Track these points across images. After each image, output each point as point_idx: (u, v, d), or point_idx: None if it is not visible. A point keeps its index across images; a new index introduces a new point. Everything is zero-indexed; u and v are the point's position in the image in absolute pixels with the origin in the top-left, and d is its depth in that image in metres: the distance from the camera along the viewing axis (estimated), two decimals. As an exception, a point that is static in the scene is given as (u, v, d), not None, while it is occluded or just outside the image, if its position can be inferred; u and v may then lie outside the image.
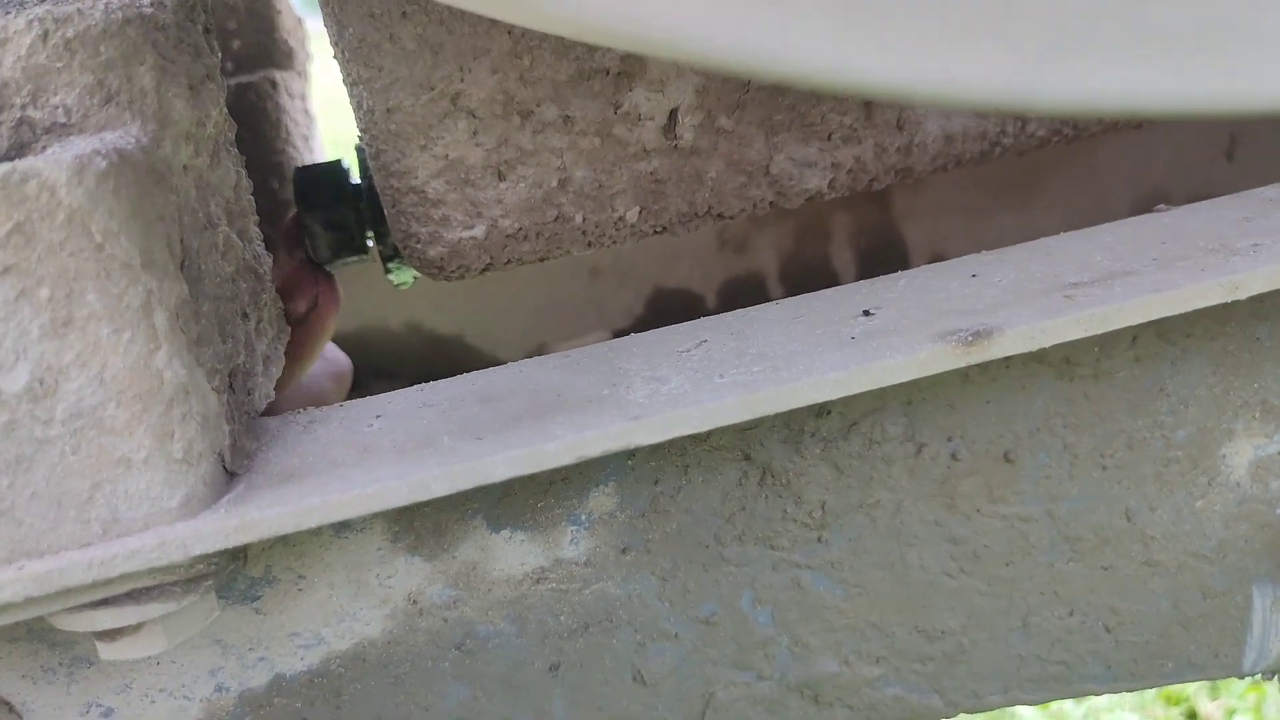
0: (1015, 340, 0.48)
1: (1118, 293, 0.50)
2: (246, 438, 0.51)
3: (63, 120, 0.45)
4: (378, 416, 0.53)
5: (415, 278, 0.82)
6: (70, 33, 0.45)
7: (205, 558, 0.46)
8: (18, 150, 0.45)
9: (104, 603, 0.47)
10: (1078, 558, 0.66)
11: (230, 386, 0.51)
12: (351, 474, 0.47)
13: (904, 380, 0.48)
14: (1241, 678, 0.73)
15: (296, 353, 0.71)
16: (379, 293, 1.11)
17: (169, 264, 0.45)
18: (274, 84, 0.94)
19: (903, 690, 0.67)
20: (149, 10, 0.48)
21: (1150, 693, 1.85)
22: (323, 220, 0.76)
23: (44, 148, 0.45)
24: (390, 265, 0.79)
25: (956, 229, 1.13)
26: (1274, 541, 0.69)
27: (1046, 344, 0.49)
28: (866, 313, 0.54)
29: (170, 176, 0.48)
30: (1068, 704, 1.84)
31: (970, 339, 0.48)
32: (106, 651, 0.49)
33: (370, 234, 0.78)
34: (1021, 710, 1.81)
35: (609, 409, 0.48)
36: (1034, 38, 0.40)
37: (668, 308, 1.13)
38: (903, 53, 0.38)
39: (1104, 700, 1.84)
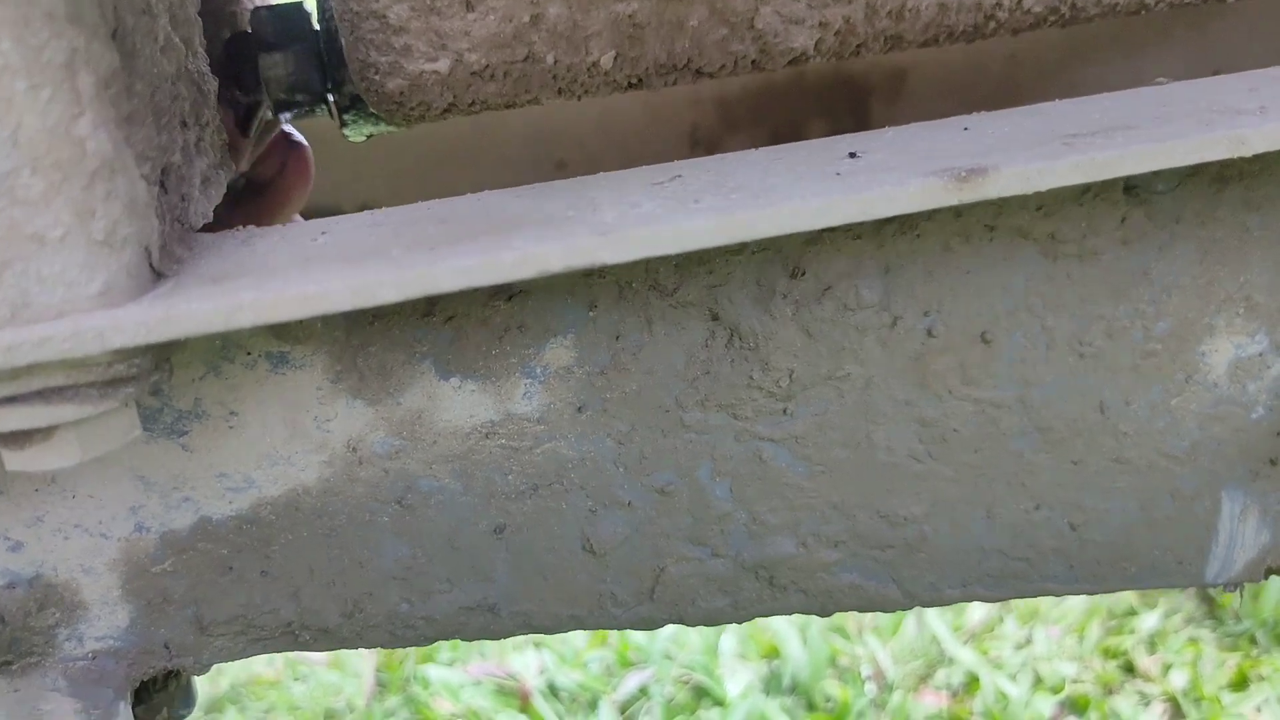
0: (1010, 179, 0.45)
1: (1119, 140, 0.47)
2: (178, 244, 0.47)
3: None
4: (323, 233, 0.49)
5: (370, 135, 0.78)
6: None
7: (125, 355, 0.42)
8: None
9: (10, 401, 0.42)
10: (1048, 449, 0.64)
11: (163, 184, 0.46)
12: (291, 276, 0.43)
13: (892, 213, 0.44)
14: (1203, 587, 0.72)
15: (262, 218, 0.68)
16: (334, 174, 1.06)
17: (99, 27, 0.41)
18: (230, -71, 0.88)
19: (860, 577, 0.65)
20: None
21: (1089, 643, 1.87)
22: (279, 61, 0.71)
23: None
24: (346, 117, 0.74)
25: (934, 146, 1.10)
26: (1247, 447, 0.67)
27: (1044, 186, 0.46)
28: (853, 155, 0.51)
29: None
30: (1006, 650, 1.85)
31: (964, 174, 0.45)
32: (14, 461, 0.45)
33: (328, 84, 0.73)
34: (961, 654, 1.82)
35: (575, 226, 0.45)
36: None
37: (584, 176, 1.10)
38: None
39: (1041, 648, 1.86)
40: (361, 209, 1.09)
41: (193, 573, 0.57)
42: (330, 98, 0.73)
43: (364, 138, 0.76)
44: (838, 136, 0.55)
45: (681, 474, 0.61)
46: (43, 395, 0.43)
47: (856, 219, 0.44)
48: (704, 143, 1.07)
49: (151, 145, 0.44)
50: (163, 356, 0.45)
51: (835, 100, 1.07)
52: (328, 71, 0.72)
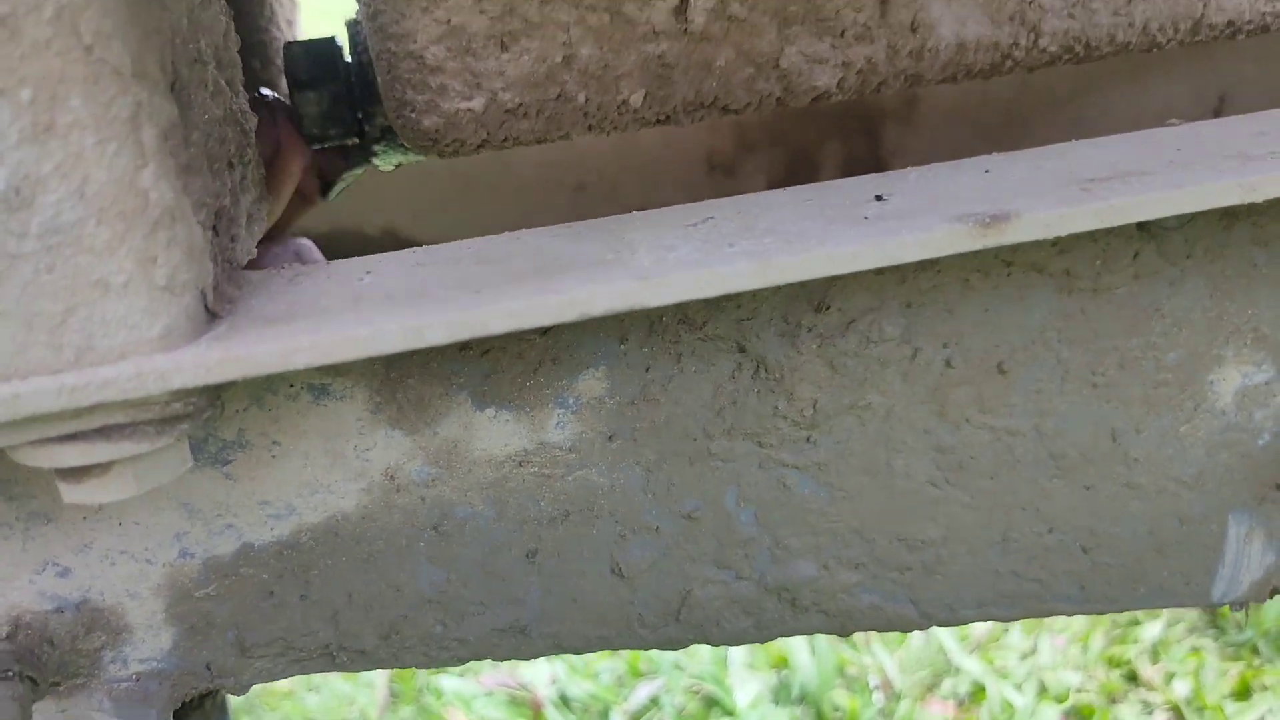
0: (1033, 226, 0.47)
1: (1136, 187, 0.49)
2: (229, 284, 0.49)
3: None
4: (368, 272, 0.51)
5: (399, 164, 0.80)
6: None
7: (183, 394, 0.44)
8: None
9: (72, 437, 0.44)
10: (1061, 475, 0.66)
11: (215, 228, 0.48)
12: (343, 319, 0.45)
13: (919, 259, 0.46)
14: (1210, 607, 0.74)
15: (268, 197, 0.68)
16: (357, 198, 1.08)
17: (160, 81, 0.43)
18: (259, -41, 0.90)
19: (879, 599, 0.67)
20: None
21: (1093, 653, 1.89)
22: (313, 100, 0.73)
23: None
24: (377, 148, 0.76)
25: (944, 168, 1.12)
26: (1253, 472, 0.69)
27: (1064, 232, 0.47)
28: (879, 198, 0.52)
29: (162, -9, 0.45)
30: (1011, 660, 1.87)
31: (988, 220, 0.47)
32: (71, 494, 0.46)
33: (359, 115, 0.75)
34: (967, 664, 1.84)
35: (615, 270, 0.47)
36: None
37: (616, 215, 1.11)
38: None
39: (1046, 658, 1.87)
40: (383, 232, 1.11)
41: (235, 597, 0.58)
42: (363, 130, 0.75)
43: (393, 166, 0.78)
44: (863, 177, 0.57)
45: (708, 500, 0.62)
46: (103, 432, 0.44)
47: (886, 264, 0.46)
48: (720, 167, 1.09)
49: (207, 192, 0.46)
50: (216, 394, 0.47)
51: (849, 124, 1.09)
52: (359, 104, 0.74)
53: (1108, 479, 0.67)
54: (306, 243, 0.89)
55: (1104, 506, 0.67)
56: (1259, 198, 0.49)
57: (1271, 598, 0.73)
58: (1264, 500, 0.70)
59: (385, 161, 0.78)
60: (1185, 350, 0.65)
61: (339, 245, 1.09)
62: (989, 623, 1.93)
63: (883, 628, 0.68)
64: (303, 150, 0.67)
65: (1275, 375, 0.66)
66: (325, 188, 0.78)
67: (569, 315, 0.44)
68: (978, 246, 0.47)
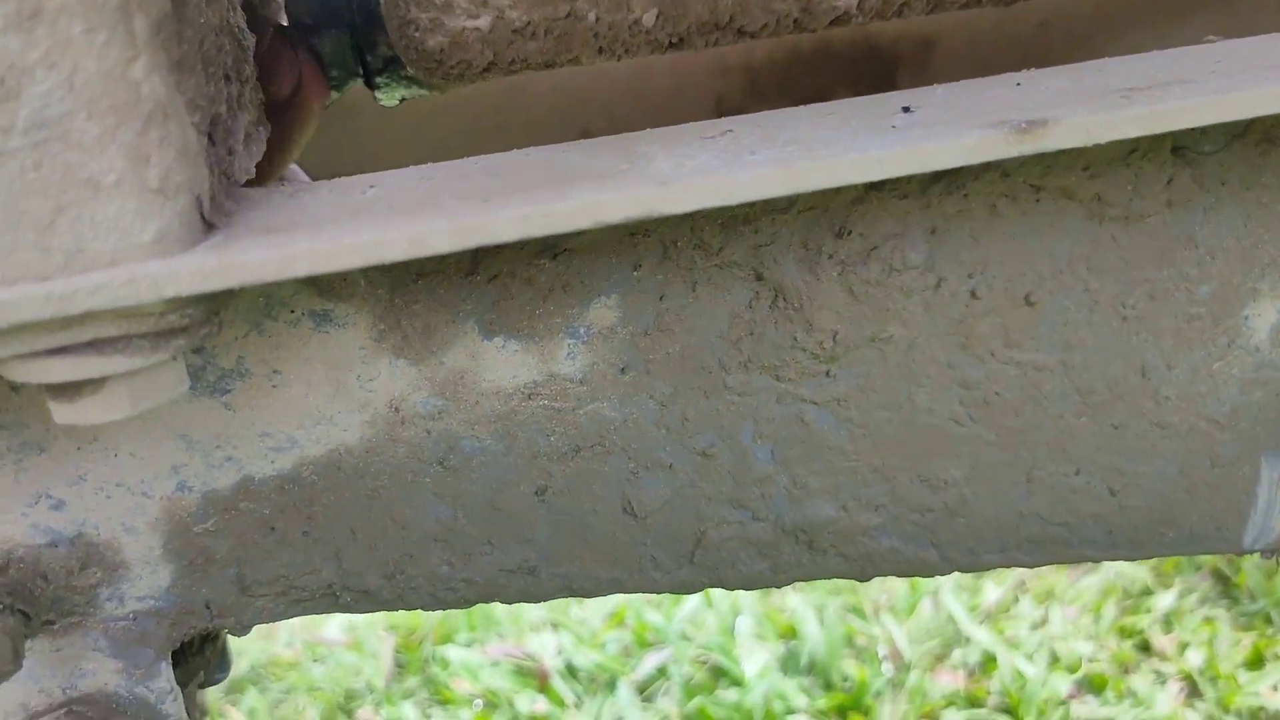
0: (1071, 131, 0.45)
1: (1178, 93, 0.47)
2: (226, 197, 0.47)
3: None
4: (371, 186, 0.49)
5: (403, 98, 0.77)
6: None
7: (179, 304, 0.42)
8: None
9: (61, 351, 0.42)
10: (1089, 413, 0.64)
11: (211, 135, 0.46)
12: (344, 228, 0.43)
13: (952, 164, 0.44)
14: (1240, 554, 0.72)
15: (281, 141, 0.66)
16: (355, 141, 1.06)
17: (154, -33, 0.40)
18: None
19: (899, 542, 0.65)
20: None
21: (1105, 622, 1.87)
22: (318, 42, 0.70)
23: None
24: (379, 80, 0.74)
25: (960, 118, 1.09)
26: (1287, 412, 0.67)
27: (1104, 139, 0.45)
28: (906, 109, 0.50)
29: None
30: (1022, 630, 1.85)
31: (1024, 126, 0.44)
32: (62, 413, 0.44)
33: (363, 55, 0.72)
34: (977, 633, 1.82)
35: (631, 178, 0.44)
36: None
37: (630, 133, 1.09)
38: None
39: (1058, 627, 1.85)
40: (385, 180, 1.09)
41: (235, 532, 0.57)
42: (365, 64, 0.73)
43: (396, 101, 0.75)
44: (888, 94, 0.55)
45: (724, 436, 0.60)
46: (94, 345, 0.42)
47: (917, 170, 0.44)
48: (730, 112, 1.06)
49: (201, 94, 0.44)
50: (213, 309, 0.45)
51: (862, 70, 1.06)
52: (361, 35, 0.71)
53: (1137, 417, 0.64)
54: (300, 172, 0.86)
55: (1132, 446, 0.65)
56: (1308, 105, 0.47)
57: (1303, 544, 0.71)
58: (1298, 441, 0.67)
59: (389, 96, 0.75)
60: (1219, 282, 0.62)
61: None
62: (998, 591, 1.92)
63: (903, 572, 0.66)
64: (325, 91, 0.65)
65: (1311, 310, 0.64)
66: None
67: (582, 222, 0.42)
68: (1014, 153, 0.44)
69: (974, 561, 0.67)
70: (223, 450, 0.55)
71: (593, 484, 0.60)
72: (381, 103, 0.75)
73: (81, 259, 0.40)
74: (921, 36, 1.07)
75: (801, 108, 0.54)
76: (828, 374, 0.60)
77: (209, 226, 0.44)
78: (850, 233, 0.57)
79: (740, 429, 0.60)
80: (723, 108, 1.06)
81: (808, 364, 0.59)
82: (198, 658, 0.65)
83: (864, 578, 0.66)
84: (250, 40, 0.57)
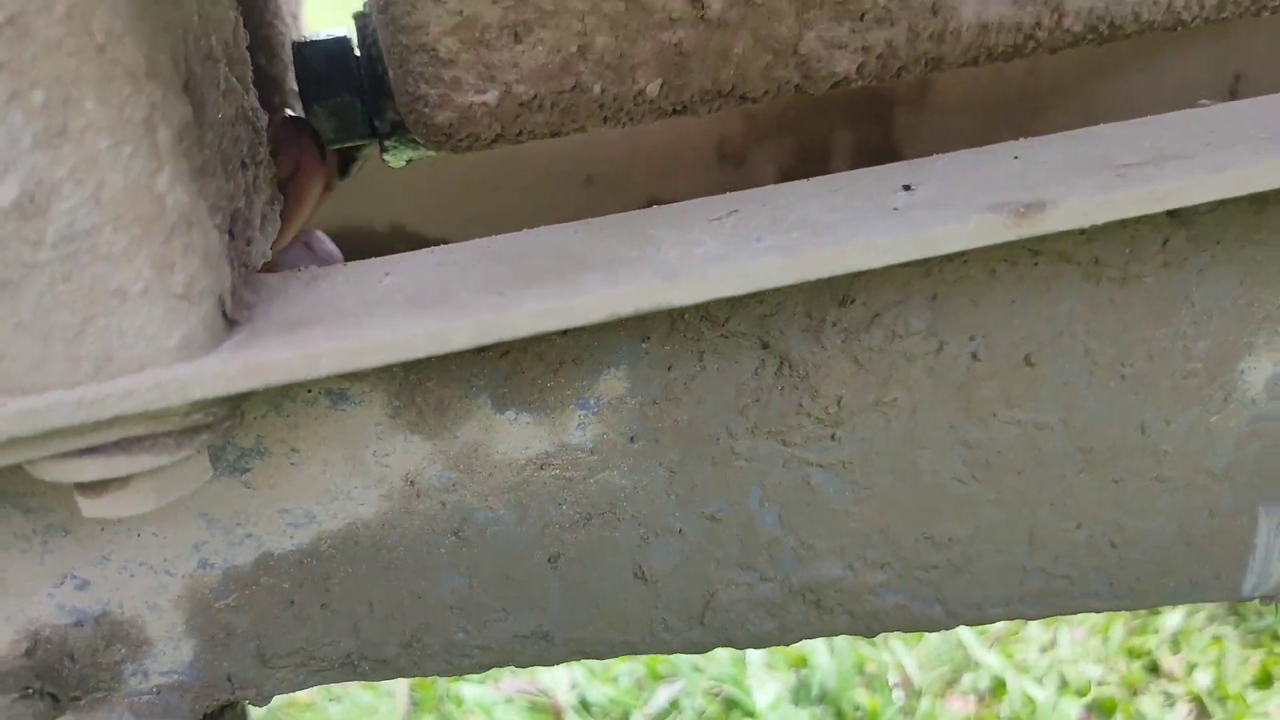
0: (1070, 214, 0.46)
1: (1173, 172, 0.48)
2: (246, 289, 0.48)
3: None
4: (387, 274, 0.50)
5: (410, 160, 0.78)
6: None
7: (203, 405, 0.43)
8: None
9: (91, 451, 0.43)
10: (1089, 470, 0.65)
11: (231, 231, 0.47)
12: (364, 323, 0.44)
13: (954, 250, 0.45)
14: (1240, 601, 0.73)
15: (284, 219, 0.67)
16: (365, 194, 1.07)
17: (174, 80, 0.42)
18: (263, -43, 0.89)
19: (905, 598, 0.66)
20: None
21: (1114, 644, 1.88)
22: (327, 109, 0.72)
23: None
24: (388, 144, 0.75)
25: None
26: (1285, 462, 0.68)
27: (1102, 220, 0.46)
28: (907, 187, 0.51)
29: (174, -9, 0.44)
30: (1031, 653, 1.86)
31: (1023, 210, 0.45)
32: (90, 508, 0.46)
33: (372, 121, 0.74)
34: (987, 658, 1.82)
35: (641, 268, 0.46)
36: None
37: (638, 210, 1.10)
38: None
39: (1066, 651, 1.86)
40: (392, 228, 1.10)
41: (255, 607, 0.58)
42: (374, 128, 0.74)
43: (404, 163, 0.77)
44: (890, 166, 0.56)
45: (731, 501, 0.61)
46: (122, 445, 0.44)
47: (921, 256, 0.45)
48: (731, 156, 1.08)
49: (222, 195, 0.45)
50: (236, 404, 0.46)
51: (861, 111, 1.08)
52: (369, 101, 0.73)
53: (1136, 472, 0.65)
54: (318, 234, 0.88)
55: (1132, 500, 0.66)
56: (1299, 180, 0.48)
57: (1303, 589, 0.72)
58: (1296, 491, 0.68)
59: (396, 158, 0.77)
60: (1215, 339, 0.63)
61: (348, 242, 1.08)
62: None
63: (909, 628, 0.67)
64: (324, 171, 0.67)
65: (1306, 363, 0.65)
66: (344, 167, 0.77)
67: (596, 316, 0.43)
68: (1013, 237, 0.46)
69: (979, 615, 0.68)
70: (243, 527, 0.56)
71: (604, 551, 0.61)
72: (389, 164, 0.77)
73: (110, 366, 0.41)
74: (921, 80, 1.08)
75: (806, 183, 0.55)
76: (833, 438, 0.61)
77: (231, 323, 0.45)
78: (853, 301, 0.58)
79: (748, 494, 0.61)
80: (724, 151, 1.08)
81: (813, 429, 0.61)
82: (217, 723, 0.66)
83: (870, 634, 0.67)
84: (264, 120, 0.58)
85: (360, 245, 1.07)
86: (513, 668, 0.63)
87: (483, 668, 0.62)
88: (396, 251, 1.08)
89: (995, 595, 0.67)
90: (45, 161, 0.39)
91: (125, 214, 0.40)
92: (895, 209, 0.48)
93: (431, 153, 0.75)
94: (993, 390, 0.62)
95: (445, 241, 1.10)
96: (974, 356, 0.61)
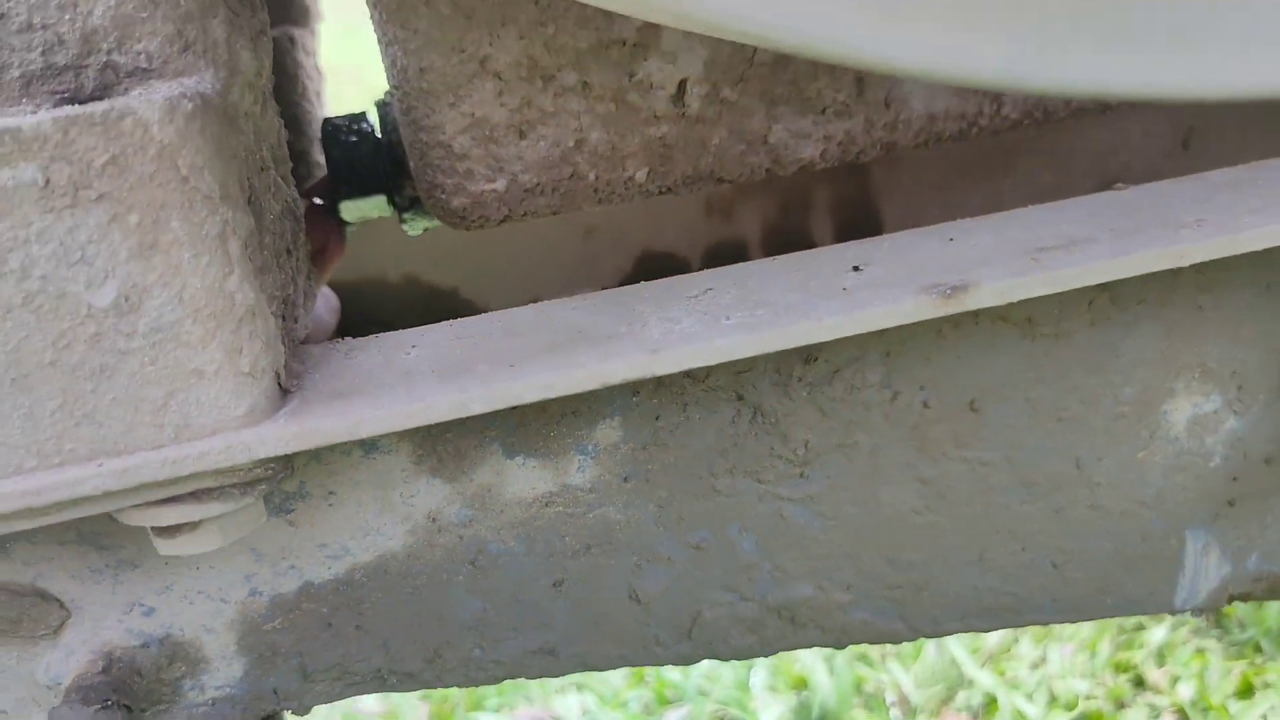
0: (988, 294, 0.55)
1: (1079, 257, 0.57)
2: (295, 360, 0.57)
3: (144, 65, 0.50)
4: (413, 346, 0.59)
5: (425, 229, 0.88)
6: (154, -15, 0.50)
7: (265, 462, 0.52)
8: (102, 91, 0.50)
9: (169, 501, 0.52)
10: (1032, 500, 0.73)
11: (283, 315, 0.56)
12: (397, 393, 0.53)
13: (890, 325, 0.54)
14: (1173, 614, 0.81)
15: None
16: (378, 246, 1.16)
17: (240, 198, 0.51)
18: (292, 40, 0.98)
19: (870, 615, 0.74)
20: (218, -33, 0.53)
21: (1101, 659, 1.95)
22: (356, 203, 0.81)
23: (126, 90, 0.50)
24: (405, 215, 0.84)
25: (930, 205, 1.19)
26: (1207, 492, 0.76)
27: (1015, 299, 0.55)
28: (856, 268, 0.60)
29: (238, 120, 0.53)
30: (1022, 670, 1.93)
31: (949, 292, 0.54)
32: (165, 547, 0.54)
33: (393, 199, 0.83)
34: (980, 676, 1.90)
35: (629, 343, 0.54)
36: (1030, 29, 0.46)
37: (654, 269, 1.19)
38: (924, 38, 0.45)
39: (1055, 666, 1.93)
40: (404, 279, 1.19)
41: (298, 629, 0.66)
42: (394, 203, 0.83)
43: (420, 231, 0.86)
44: (844, 246, 0.65)
45: (714, 531, 0.70)
46: (195, 495, 0.52)
47: (862, 330, 0.54)
48: (719, 210, 1.16)
49: (277, 285, 0.54)
50: (289, 460, 0.55)
51: (839, 168, 1.16)
52: (390, 181, 0.82)
53: (1074, 502, 0.74)
54: (326, 290, 0.98)
55: (1072, 527, 0.74)
56: (1186, 263, 0.57)
57: (1229, 604, 0.80)
58: (1218, 517, 0.77)
59: (413, 228, 0.86)
60: (1140, 385, 0.72)
61: (365, 293, 1.17)
62: (1000, 634, 1.99)
63: (875, 640, 0.75)
64: (344, 244, 0.76)
65: (1223, 404, 0.74)
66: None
67: (590, 385, 0.52)
68: (941, 314, 0.55)
69: (937, 629, 0.76)
70: (287, 560, 0.65)
71: (602, 576, 0.69)
72: (408, 232, 0.86)
73: (188, 431, 0.50)
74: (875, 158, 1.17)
75: (772, 261, 0.64)
76: (801, 475, 0.70)
77: (285, 392, 0.54)
78: (817, 359, 0.67)
79: (728, 525, 0.70)
80: (712, 205, 1.17)
81: (784, 468, 0.69)
82: (260, 732, 0.75)
83: (840, 646, 0.75)
84: (301, 207, 0.67)
85: (375, 295, 1.16)
86: (524, 679, 0.71)
87: (496, 679, 0.71)
88: (409, 300, 1.17)
89: (951, 611, 0.76)
90: (139, 270, 0.48)
91: (203, 310, 0.49)
92: (844, 289, 0.57)
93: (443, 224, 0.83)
94: (943, 433, 0.70)
95: (456, 291, 1.19)
96: (925, 405, 0.69)
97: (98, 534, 0.62)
